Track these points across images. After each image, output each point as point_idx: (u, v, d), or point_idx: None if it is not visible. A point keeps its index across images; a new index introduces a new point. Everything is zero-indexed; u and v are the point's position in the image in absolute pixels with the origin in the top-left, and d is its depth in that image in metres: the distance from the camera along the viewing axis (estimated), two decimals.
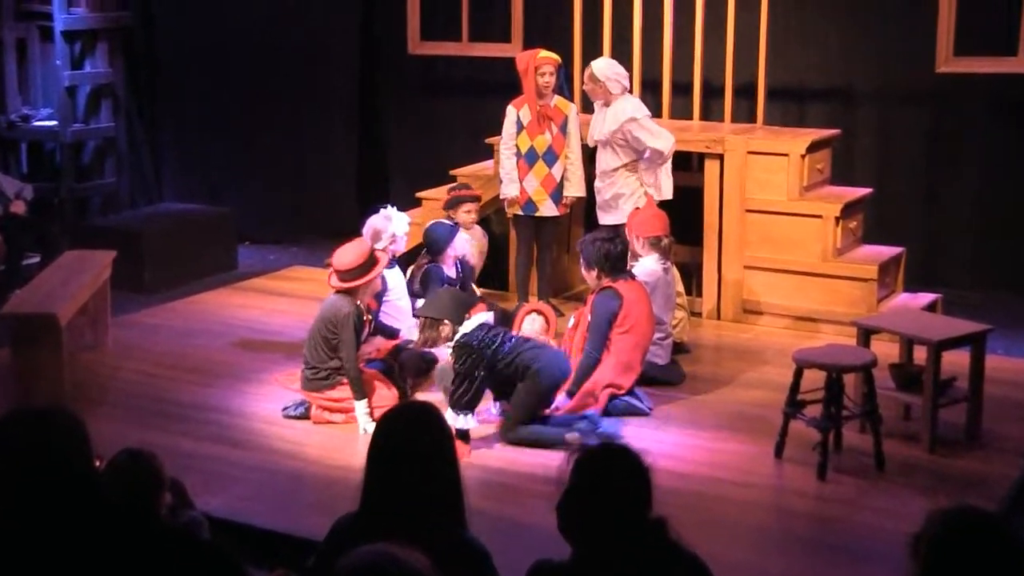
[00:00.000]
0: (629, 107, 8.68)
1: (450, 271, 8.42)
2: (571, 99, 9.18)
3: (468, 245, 8.62)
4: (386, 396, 7.17)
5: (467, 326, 6.81)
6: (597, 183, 8.89)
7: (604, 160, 8.79)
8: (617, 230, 8.16)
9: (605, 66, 8.76)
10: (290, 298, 9.80)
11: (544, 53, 8.97)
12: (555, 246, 9.49)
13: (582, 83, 8.92)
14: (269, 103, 12.03)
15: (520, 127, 8.97)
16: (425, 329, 6.90)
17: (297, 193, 12.09)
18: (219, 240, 10.95)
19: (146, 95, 12.32)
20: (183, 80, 12.30)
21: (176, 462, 5.94)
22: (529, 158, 9.00)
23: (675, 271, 8.38)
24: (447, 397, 6.89)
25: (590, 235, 7.61)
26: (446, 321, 6.83)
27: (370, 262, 7.22)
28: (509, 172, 9.02)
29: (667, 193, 8.71)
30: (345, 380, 7.12)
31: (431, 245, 8.36)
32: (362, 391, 7.07)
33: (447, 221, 8.56)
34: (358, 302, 7.23)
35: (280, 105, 12.00)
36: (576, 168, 9.02)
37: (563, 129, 8.97)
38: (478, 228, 9.28)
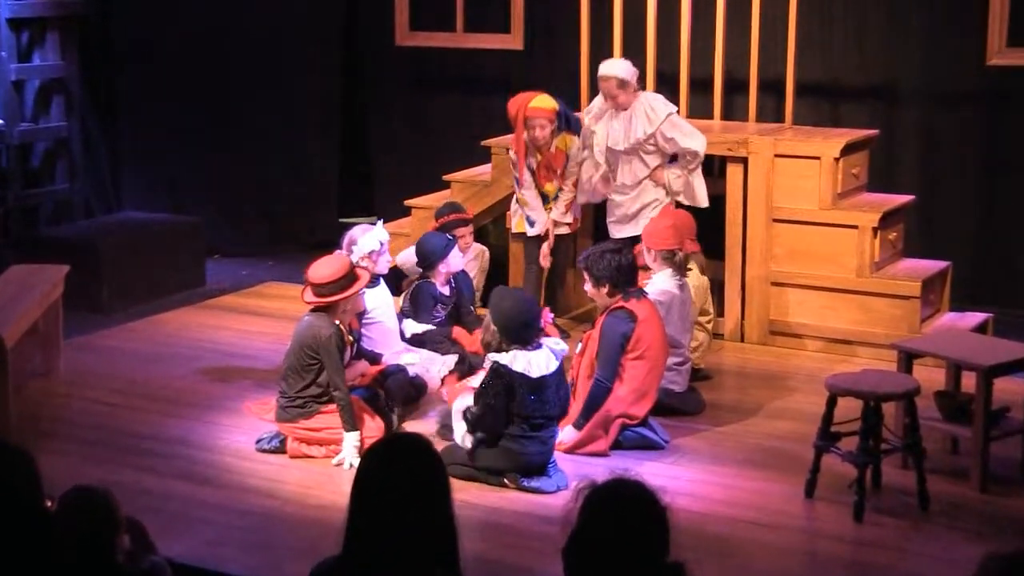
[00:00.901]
0: (660, 104, 8.67)
1: (443, 288, 8.42)
2: (578, 130, 8.98)
3: (463, 262, 8.63)
4: (371, 427, 7.17)
5: (525, 359, 6.67)
6: (616, 196, 8.86)
7: (627, 171, 8.74)
8: (630, 242, 8.15)
9: (625, 66, 8.74)
10: (265, 318, 9.80)
11: (536, 102, 8.79)
12: (565, 267, 9.48)
13: (602, 87, 8.73)
14: (241, 101, 12.05)
15: (531, 172, 8.97)
16: (485, 329, 6.91)
17: (272, 201, 12.10)
18: (185, 253, 10.94)
19: (103, 91, 12.33)
20: (145, 75, 12.31)
21: (137, 501, 5.95)
22: (543, 200, 9.05)
23: (705, 283, 8.36)
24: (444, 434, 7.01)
25: (595, 248, 7.57)
26: (492, 326, 6.83)
27: (349, 276, 7.23)
28: (536, 209, 9.02)
29: (703, 200, 8.72)
30: (325, 409, 7.12)
31: (423, 258, 8.38)
32: (354, 422, 7.08)
33: (444, 234, 8.57)
34: (337, 321, 7.23)
35: (254, 103, 12.02)
36: (566, 196, 9.00)
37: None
38: (476, 244, 9.29)
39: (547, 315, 7.21)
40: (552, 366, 6.76)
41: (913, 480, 6.59)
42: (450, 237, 8.50)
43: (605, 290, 7.30)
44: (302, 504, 6.63)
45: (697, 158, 8.64)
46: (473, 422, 6.77)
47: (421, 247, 8.43)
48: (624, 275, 7.27)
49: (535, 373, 6.68)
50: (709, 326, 8.50)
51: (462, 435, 6.83)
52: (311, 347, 7.11)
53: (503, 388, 6.67)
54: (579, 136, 8.92)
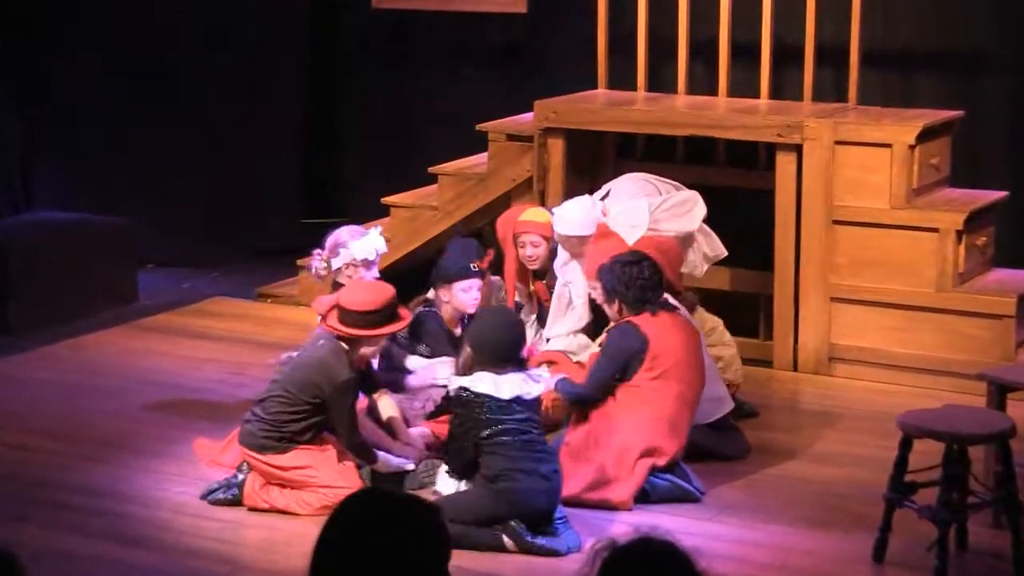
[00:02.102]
0: (640, 215, 8.37)
1: (452, 326, 8.33)
2: None
3: (475, 303, 8.44)
4: (347, 477, 7.23)
5: (490, 380, 6.82)
6: None
7: None
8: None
9: (582, 218, 8.33)
10: (211, 340, 9.82)
11: (529, 215, 8.68)
12: None
13: (562, 245, 8.39)
14: (185, 78, 12.04)
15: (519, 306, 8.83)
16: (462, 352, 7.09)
17: (220, 199, 12.09)
18: (113, 262, 10.95)
19: (14, 65, 12.33)
20: (68, 46, 12.31)
21: (56, 567, 6.00)
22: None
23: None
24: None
25: (611, 258, 7.70)
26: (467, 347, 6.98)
27: (390, 313, 7.28)
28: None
29: (720, 249, 8.59)
30: (300, 447, 7.22)
31: (436, 271, 8.36)
32: (372, 452, 7.26)
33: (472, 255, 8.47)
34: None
35: (200, 80, 12.02)
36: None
37: None
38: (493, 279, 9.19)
39: (533, 350, 7.35)
40: (529, 389, 6.87)
41: (1007, 541, 6.60)
42: (475, 267, 8.26)
43: (616, 307, 7.45)
44: (260, 570, 6.67)
45: (692, 237, 8.43)
46: (450, 457, 7.03)
47: (443, 256, 8.41)
48: (636, 291, 7.39)
49: (505, 394, 6.81)
50: (732, 346, 8.48)
51: (441, 482, 7.05)
52: (320, 386, 7.15)
53: (464, 420, 6.83)
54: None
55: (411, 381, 7.98)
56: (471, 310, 8.22)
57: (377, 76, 11.79)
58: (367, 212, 10.18)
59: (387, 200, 10.23)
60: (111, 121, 12.22)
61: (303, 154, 12.18)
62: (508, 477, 6.82)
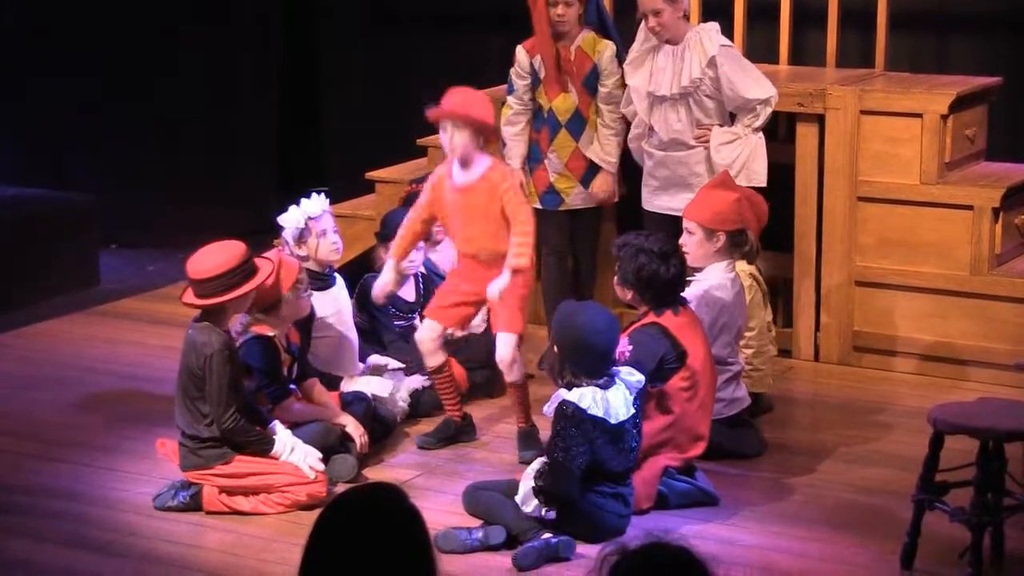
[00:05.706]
0: (716, 35, 8.62)
1: (403, 292, 8.38)
2: (610, 35, 9.06)
3: (418, 264, 8.53)
4: (308, 477, 7.22)
5: (601, 399, 6.72)
6: (655, 151, 8.87)
7: (671, 125, 8.77)
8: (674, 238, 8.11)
9: None
10: (178, 328, 9.70)
11: None
12: (594, 252, 9.41)
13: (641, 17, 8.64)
14: (151, 42, 12.01)
15: (536, 80, 9.00)
16: (549, 353, 7.00)
17: (188, 175, 12.08)
18: (72, 242, 10.96)
19: None
20: (22, 6, 12.31)
21: (10, 575, 5.97)
22: (551, 125, 9.03)
23: (759, 286, 8.35)
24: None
25: (636, 235, 7.58)
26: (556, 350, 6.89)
27: (242, 270, 7.23)
28: (512, 137, 9.07)
29: (760, 175, 8.63)
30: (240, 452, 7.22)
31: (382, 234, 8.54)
32: (266, 440, 7.17)
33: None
34: (230, 329, 7.28)
35: (168, 43, 11.99)
36: (609, 133, 9.01)
37: (588, 84, 8.97)
38: None
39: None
40: (631, 408, 6.80)
41: None
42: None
43: (630, 296, 7.41)
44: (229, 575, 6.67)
45: (760, 113, 8.62)
46: (541, 486, 6.75)
47: (382, 222, 8.61)
48: (655, 288, 7.30)
49: (614, 419, 6.72)
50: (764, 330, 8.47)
51: (524, 496, 6.81)
52: (197, 369, 7.14)
53: (579, 437, 6.68)
54: (615, 45, 8.97)
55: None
56: (411, 271, 8.41)
57: (362, 41, 11.77)
58: (351, 188, 10.15)
59: (372, 175, 10.18)
60: (75, 91, 12.19)
61: (282, 127, 12.14)
62: (598, 495, 6.82)
